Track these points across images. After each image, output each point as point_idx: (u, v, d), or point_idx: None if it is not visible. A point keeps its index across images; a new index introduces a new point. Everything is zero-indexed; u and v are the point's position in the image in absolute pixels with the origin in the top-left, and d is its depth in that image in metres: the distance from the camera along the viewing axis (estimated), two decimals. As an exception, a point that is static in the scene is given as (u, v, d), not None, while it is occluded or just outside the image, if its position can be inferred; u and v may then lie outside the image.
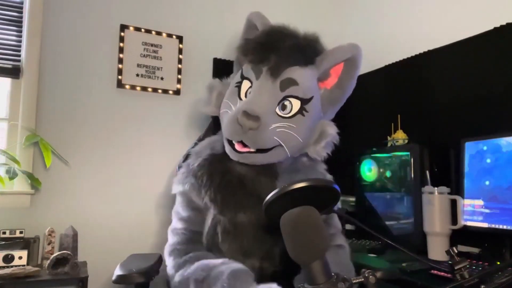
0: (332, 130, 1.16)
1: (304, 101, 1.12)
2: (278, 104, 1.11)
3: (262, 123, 1.06)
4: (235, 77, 1.23)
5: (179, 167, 1.47)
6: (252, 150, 1.10)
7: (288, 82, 1.11)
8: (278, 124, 1.10)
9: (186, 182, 1.18)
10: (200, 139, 1.43)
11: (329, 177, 1.21)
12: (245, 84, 1.17)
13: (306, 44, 1.15)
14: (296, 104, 1.12)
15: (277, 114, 1.11)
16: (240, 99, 1.16)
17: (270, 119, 1.09)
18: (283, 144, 1.10)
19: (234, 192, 1.09)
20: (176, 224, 1.21)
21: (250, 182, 1.11)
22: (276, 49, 1.11)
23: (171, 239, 1.19)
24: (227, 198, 1.09)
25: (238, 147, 1.11)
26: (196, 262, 1.04)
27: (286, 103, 1.11)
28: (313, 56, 1.16)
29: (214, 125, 1.48)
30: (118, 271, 1.25)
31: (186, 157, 1.45)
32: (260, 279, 1.00)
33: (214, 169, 1.14)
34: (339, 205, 1.29)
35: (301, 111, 1.12)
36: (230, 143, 1.13)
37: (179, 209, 1.21)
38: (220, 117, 1.22)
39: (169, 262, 1.14)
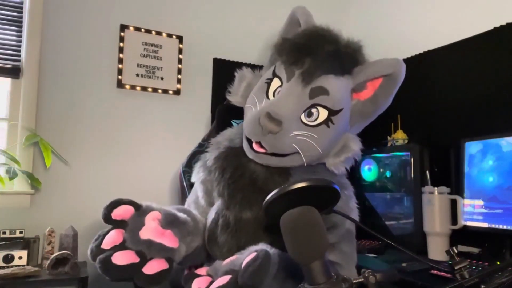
0: (355, 146, 1.10)
1: (332, 112, 1.07)
2: (305, 111, 1.07)
3: (283, 128, 1.02)
4: (266, 73, 1.19)
5: (184, 166, 1.47)
6: (268, 152, 1.10)
7: (319, 90, 1.06)
8: (300, 131, 1.06)
9: (200, 172, 1.18)
10: (205, 140, 1.43)
11: (346, 181, 1.16)
12: (275, 82, 1.13)
13: (346, 52, 1.10)
14: (323, 114, 1.07)
15: (301, 121, 1.07)
16: (268, 97, 1.13)
17: (293, 126, 1.05)
18: (300, 152, 1.07)
19: (242, 188, 1.08)
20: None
21: (262, 179, 1.10)
22: (313, 54, 1.06)
23: None
24: (234, 193, 1.08)
25: (255, 146, 1.09)
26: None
27: (313, 110, 1.07)
28: (351, 66, 1.10)
29: (218, 125, 1.48)
30: None
31: (192, 157, 1.45)
32: None
33: (227, 164, 1.13)
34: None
35: (327, 122, 1.07)
36: (249, 141, 1.12)
37: (190, 197, 1.22)
38: (244, 110, 1.20)
39: None
